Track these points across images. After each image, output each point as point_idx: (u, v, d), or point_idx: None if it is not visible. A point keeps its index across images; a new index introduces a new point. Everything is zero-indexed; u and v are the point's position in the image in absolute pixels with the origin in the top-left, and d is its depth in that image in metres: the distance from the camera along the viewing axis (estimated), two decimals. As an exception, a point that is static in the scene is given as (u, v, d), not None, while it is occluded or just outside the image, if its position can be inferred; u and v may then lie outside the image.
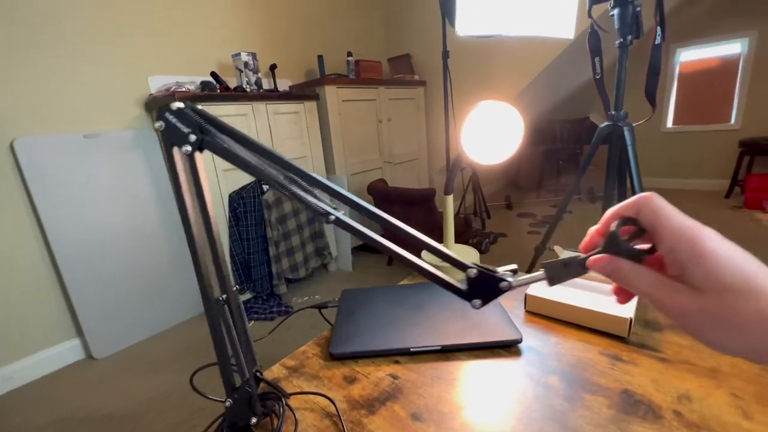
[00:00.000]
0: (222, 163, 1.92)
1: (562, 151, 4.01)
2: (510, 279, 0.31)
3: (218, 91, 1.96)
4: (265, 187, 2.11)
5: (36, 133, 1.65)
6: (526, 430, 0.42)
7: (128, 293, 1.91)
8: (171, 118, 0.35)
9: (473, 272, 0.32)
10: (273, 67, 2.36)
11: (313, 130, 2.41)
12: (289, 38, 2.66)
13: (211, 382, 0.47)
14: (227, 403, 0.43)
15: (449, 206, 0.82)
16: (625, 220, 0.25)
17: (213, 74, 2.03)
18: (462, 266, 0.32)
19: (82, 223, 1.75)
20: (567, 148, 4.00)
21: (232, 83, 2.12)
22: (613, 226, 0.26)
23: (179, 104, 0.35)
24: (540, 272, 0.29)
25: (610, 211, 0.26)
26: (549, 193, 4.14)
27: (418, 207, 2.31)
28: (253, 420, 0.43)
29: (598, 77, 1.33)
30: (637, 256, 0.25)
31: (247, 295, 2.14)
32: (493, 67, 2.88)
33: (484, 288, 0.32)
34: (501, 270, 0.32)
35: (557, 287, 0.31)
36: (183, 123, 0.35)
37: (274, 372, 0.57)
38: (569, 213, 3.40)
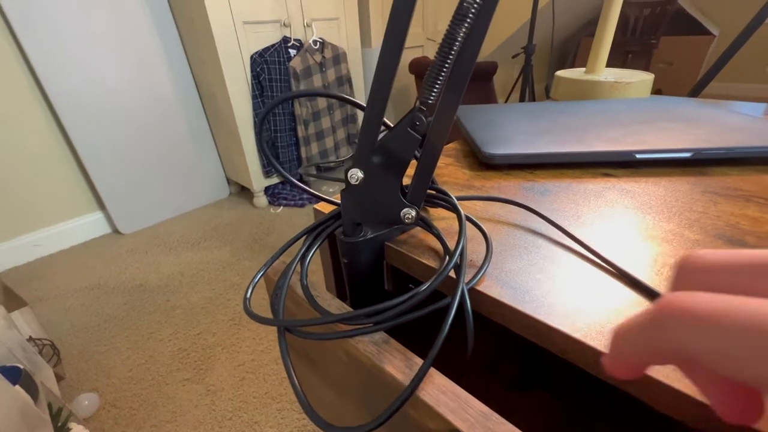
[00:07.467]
0: (241, 11, 1.53)
1: (631, 43, 3.35)
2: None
3: None
4: (293, 52, 1.75)
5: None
6: None
7: (149, 169, 1.72)
8: None
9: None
10: None
11: (349, -17, 1.92)
12: None
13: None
14: (353, 178, 0.20)
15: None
16: None
17: None
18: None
19: (82, 78, 1.47)
20: (639, 40, 3.34)
21: None
22: None
23: None
24: None
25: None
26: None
27: (470, 88, 1.93)
28: (411, 214, 0.21)
29: None
30: None
31: (275, 180, 1.94)
32: None
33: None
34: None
35: None
36: None
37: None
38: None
